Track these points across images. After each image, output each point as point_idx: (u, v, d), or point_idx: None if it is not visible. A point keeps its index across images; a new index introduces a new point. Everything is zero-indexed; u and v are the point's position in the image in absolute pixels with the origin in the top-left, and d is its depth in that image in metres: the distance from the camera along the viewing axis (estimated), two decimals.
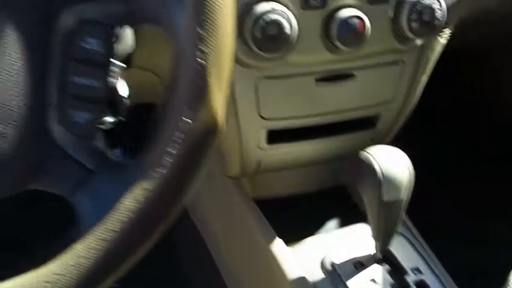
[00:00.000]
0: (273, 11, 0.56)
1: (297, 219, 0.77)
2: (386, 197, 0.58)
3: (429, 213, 0.92)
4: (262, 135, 0.69)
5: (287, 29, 0.58)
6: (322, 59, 0.63)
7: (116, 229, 0.35)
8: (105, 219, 0.35)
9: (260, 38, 0.56)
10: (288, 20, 0.58)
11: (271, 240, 0.70)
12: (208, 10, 0.32)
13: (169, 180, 0.35)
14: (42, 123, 0.35)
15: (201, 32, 0.33)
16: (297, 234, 0.72)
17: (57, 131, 0.36)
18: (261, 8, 0.56)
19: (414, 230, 0.75)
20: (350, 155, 0.69)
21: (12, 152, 0.34)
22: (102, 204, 0.37)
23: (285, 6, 0.58)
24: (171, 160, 0.35)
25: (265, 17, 0.56)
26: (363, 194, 0.61)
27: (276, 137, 0.70)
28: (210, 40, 0.33)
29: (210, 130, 0.36)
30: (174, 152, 0.35)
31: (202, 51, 0.33)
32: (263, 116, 0.66)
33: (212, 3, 0.33)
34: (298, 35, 0.59)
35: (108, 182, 0.37)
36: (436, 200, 1.09)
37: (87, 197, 0.37)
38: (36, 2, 0.33)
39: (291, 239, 0.71)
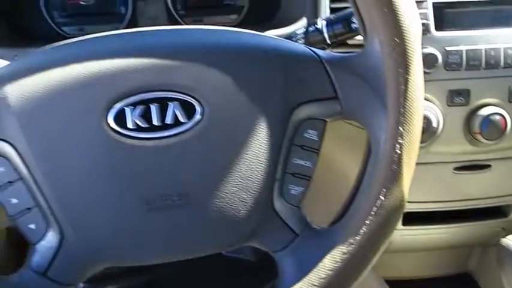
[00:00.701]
0: None
1: None
2: None
3: None
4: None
5: (434, 123, 0.65)
6: (462, 150, 0.70)
7: (315, 284, 0.42)
8: (307, 275, 0.42)
9: None
10: (436, 115, 0.65)
11: None
12: (408, 114, 0.41)
13: (364, 246, 0.42)
14: (269, 194, 0.44)
15: (401, 129, 0.41)
16: None
17: (277, 201, 0.45)
18: None
19: None
20: (479, 242, 0.73)
21: (245, 215, 0.44)
22: (302, 263, 0.44)
23: (432, 102, 0.66)
24: (366, 230, 0.42)
25: None
26: (505, 281, 0.63)
27: (409, 219, 0.76)
28: (407, 135, 0.41)
29: (399, 206, 0.43)
30: (369, 223, 0.42)
31: (400, 144, 0.41)
32: None
33: (411, 108, 0.41)
34: (443, 128, 0.66)
35: (310, 244, 0.44)
36: None
37: (290, 256, 0.45)
38: (281, 102, 0.43)
39: None
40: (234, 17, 0.79)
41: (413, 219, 0.76)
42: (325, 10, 0.66)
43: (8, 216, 0.43)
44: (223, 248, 0.46)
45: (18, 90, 0.41)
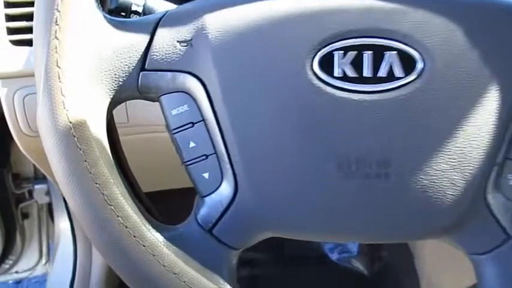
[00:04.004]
0: None
1: None
2: None
3: None
4: None
5: None
6: None
7: None
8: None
9: None
10: None
11: None
12: None
13: None
14: (484, 180, 0.36)
15: None
16: None
17: (491, 191, 0.37)
18: None
19: None
20: None
21: (451, 202, 0.36)
22: (507, 271, 0.36)
23: None
24: None
25: None
26: None
27: None
28: None
29: None
30: None
31: None
32: None
33: None
34: None
35: None
36: None
37: (494, 263, 0.37)
38: None
39: None
40: None
41: None
42: None
43: (181, 161, 0.39)
44: (412, 238, 0.39)
45: (218, 22, 0.36)
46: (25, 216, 1.08)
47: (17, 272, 1.17)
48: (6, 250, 1.08)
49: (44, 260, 1.17)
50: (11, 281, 1.29)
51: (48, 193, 1.02)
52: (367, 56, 0.35)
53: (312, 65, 0.35)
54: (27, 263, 1.18)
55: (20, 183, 1.01)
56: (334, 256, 1.22)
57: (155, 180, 0.75)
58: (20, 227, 1.08)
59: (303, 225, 0.38)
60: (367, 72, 0.35)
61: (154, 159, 0.67)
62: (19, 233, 1.09)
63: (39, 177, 1.02)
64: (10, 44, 0.58)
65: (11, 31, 0.58)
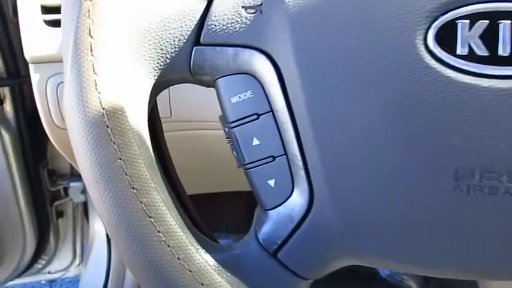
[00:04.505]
0: None
1: None
2: None
3: None
4: None
5: None
6: None
7: None
8: None
9: None
10: None
11: None
12: None
13: None
14: None
15: None
16: None
17: None
18: None
19: None
20: None
21: None
22: None
23: None
24: None
25: None
26: None
27: None
28: None
29: None
30: None
31: None
32: None
33: None
34: None
35: None
36: None
37: None
38: None
39: None
40: None
41: None
42: None
43: (239, 163, 0.31)
44: None
45: None
46: (60, 214, 1.03)
47: (49, 273, 1.12)
48: (39, 249, 1.03)
49: (77, 261, 1.12)
50: (43, 281, 1.25)
51: (84, 191, 0.96)
52: (504, 26, 0.25)
53: (425, 40, 0.26)
54: (60, 264, 1.13)
55: (55, 180, 0.96)
56: (384, 272, 1.12)
57: (197, 183, 0.67)
58: (54, 226, 1.03)
59: (399, 254, 0.29)
60: (503, 49, 0.25)
61: (199, 160, 0.60)
62: (53, 232, 1.04)
63: (76, 174, 0.97)
64: (44, 24, 0.52)
65: (46, 10, 0.51)
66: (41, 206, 0.96)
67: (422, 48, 0.26)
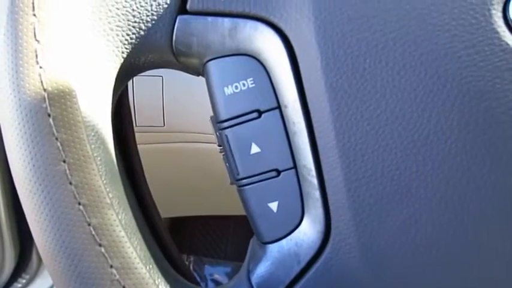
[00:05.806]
0: None
1: None
2: None
3: None
4: None
5: None
6: None
7: None
8: None
9: None
10: None
11: None
12: None
13: None
14: None
15: None
16: None
17: None
18: None
19: None
20: None
21: None
22: None
23: None
24: None
25: None
26: None
27: None
28: None
29: None
30: None
31: None
32: None
33: None
34: None
35: None
36: None
37: None
38: None
39: None
40: None
41: None
42: None
43: (231, 178, 0.23)
44: None
45: None
46: None
47: None
48: (19, 267, 0.96)
49: None
50: None
51: None
52: None
53: (505, 11, 0.18)
54: (42, 283, 1.05)
55: None
56: None
57: (190, 204, 0.60)
58: None
59: None
60: None
61: (191, 177, 0.52)
62: (35, 249, 0.97)
63: None
64: None
65: None
66: (23, 219, 0.89)
67: (499, 22, 0.18)
